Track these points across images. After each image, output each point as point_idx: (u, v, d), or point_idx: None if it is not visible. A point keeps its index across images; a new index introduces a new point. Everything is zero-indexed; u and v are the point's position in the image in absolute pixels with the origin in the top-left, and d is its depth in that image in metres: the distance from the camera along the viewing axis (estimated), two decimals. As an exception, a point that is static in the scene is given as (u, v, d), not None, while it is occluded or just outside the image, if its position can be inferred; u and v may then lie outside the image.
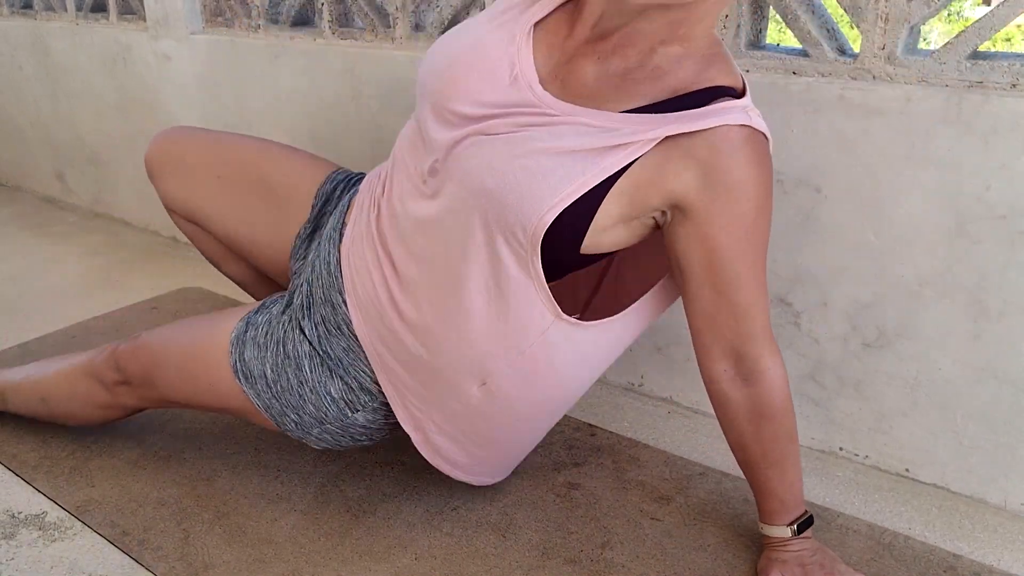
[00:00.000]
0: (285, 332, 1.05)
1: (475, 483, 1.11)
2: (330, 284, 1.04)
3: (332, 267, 1.04)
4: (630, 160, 0.83)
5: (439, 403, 1.00)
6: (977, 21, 1.02)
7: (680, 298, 0.96)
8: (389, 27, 1.59)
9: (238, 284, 1.36)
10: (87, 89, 2.27)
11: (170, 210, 1.28)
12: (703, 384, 0.98)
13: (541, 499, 1.16)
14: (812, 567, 0.97)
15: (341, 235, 1.06)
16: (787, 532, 0.98)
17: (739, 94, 0.87)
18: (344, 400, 1.03)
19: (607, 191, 0.84)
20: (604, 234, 0.88)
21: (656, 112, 0.85)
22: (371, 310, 0.99)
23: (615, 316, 0.96)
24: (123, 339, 1.15)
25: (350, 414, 1.04)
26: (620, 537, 1.08)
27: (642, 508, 1.14)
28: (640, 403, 1.41)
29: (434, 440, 1.04)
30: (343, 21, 1.69)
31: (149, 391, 1.12)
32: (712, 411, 0.99)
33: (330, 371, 1.03)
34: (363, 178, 1.16)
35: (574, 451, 1.27)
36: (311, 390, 1.02)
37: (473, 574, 1.02)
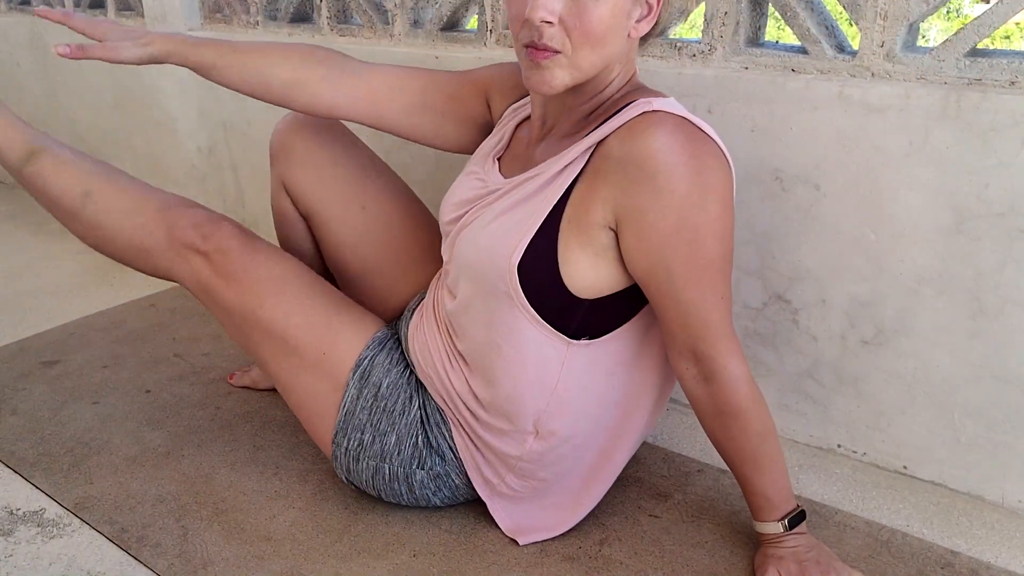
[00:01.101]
0: (410, 396, 1.08)
1: (562, 530, 1.09)
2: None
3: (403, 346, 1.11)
4: (570, 181, 0.90)
5: (507, 463, 1.03)
6: (976, 19, 1.02)
7: None
8: (387, 23, 1.59)
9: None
10: (85, 86, 2.27)
11: (290, 191, 1.22)
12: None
13: (539, 496, 1.16)
14: (808, 563, 0.97)
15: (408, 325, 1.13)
16: (779, 528, 0.98)
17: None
18: (423, 450, 1.05)
19: (559, 220, 0.90)
20: (584, 271, 0.91)
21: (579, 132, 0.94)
22: (436, 379, 1.05)
23: (623, 326, 0.97)
24: (217, 214, 1.09)
25: (413, 467, 1.06)
26: (618, 534, 1.08)
27: (640, 505, 1.14)
28: (638, 400, 1.41)
29: (510, 511, 1.08)
30: (341, 17, 1.69)
31: (231, 289, 1.05)
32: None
33: (423, 420, 1.06)
34: None
35: (572, 448, 1.27)
36: (405, 425, 1.05)
37: (471, 571, 1.02)
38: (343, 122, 1.22)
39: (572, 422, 0.99)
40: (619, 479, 1.19)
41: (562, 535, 1.08)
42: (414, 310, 1.14)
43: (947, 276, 1.09)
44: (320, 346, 1.06)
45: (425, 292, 1.18)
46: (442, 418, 1.06)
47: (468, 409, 1.02)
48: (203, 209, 1.11)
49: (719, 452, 1.00)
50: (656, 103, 0.87)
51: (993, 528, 1.10)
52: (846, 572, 0.97)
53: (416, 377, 1.08)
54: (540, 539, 1.07)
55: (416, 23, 1.57)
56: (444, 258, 1.06)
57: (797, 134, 1.14)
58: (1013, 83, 1.01)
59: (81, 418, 1.35)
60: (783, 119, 1.14)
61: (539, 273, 0.91)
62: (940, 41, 1.07)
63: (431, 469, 1.06)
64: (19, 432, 1.30)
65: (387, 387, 1.05)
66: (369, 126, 1.14)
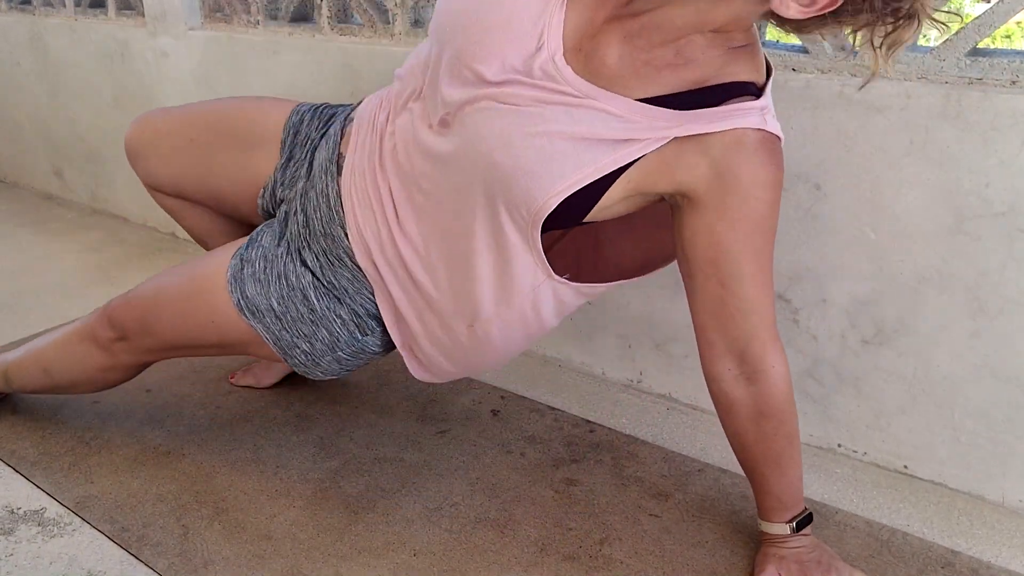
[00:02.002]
0: (285, 264, 1.05)
1: (432, 380, 1.13)
2: (330, 218, 1.04)
3: (332, 200, 1.04)
4: (642, 154, 0.85)
5: (429, 334, 1.03)
6: (977, 18, 1.02)
7: (681, 297, 0.96)
8: (388, 23, 1.59)
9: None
10: (85, 85, 2.27)
11: (152, 189, 1.28)
12: (703, 381, 0.98)
13: (540, 495, 1.16)
14: (810, 564, 0.97)
15: (339, 167, 1.06)
16: (786, 529, 0.98)
17: (759, 90, 0.87)
18: (354, 323, 1.05)
19: (615, 179, 0.86)
20: (605, 211, 0.90)
21: (674, 105, 0.84)
22: (374, 240, 1.01)
23: (606, 283, 0.99)
24: (112, 298, 1.15)
25: (360, 337, 1.06)
26: (618, 533, 1.08)
27: (640, 504, 1.14)
28: (639, 400, 1.41)
29: (419, 356, 1.08)
30: (342, 17, 1.69)
31: (146, 340, 1.12)
32: (711, 407, 0.99)
33: (337, 299, 1.04)
34: (330, 107, 1.18)
35: (573, 448, 1.27)
36: (322, 316, 1.04)
37: (472, 570, 1.02)
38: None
39: (509, 334, 1.00)
40: (619, 479, 1.19)
41: (562, 534, 1.08)
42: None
43: (948, 275, 1.09)
44: (211, 327, 1.07)
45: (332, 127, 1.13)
46: (351, 277, 1.04)
47: (408, 273, 1.00)
48: (99, 308, 1.17)
49: (741, 454, 0.99)
50: (768, 119, 0.85)
51: (994, 527, 1.10)
52: (847, 572, 0.97)
53: (296, 267, 1.05)
54: (432, 381, 1.12)
55: (417, 22, 1.56)
56: (442, 94, 0.90)
57: (798, 133, 1.14)
58: (1014, 82, 1.01)
59: (81, 417, 1.35)
60: (784, 118, 1.13)
61: (569, 213, 0.87)
62: (941, 40, 1.07)
63: (374, 330, 1.07)
64: (20, 431, 1.30)
65: (279, 304, 1.04)
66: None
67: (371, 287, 1.04)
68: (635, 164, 0.85)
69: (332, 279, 1.05)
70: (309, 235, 1.06)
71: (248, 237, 1.10)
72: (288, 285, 1.04)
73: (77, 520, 1.11)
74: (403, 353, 1.08)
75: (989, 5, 1.02)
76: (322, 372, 1.09)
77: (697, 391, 1.35)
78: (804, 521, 0.99)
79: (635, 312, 1.39)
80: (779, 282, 1.22)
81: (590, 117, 0.84)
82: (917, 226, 1.09)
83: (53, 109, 2.42)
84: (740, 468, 1.01)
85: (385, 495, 1.16)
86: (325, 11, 1.68)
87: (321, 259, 1.05)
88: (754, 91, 0.87)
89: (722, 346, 0.93)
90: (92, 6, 2.20)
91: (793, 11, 0.76)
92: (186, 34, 1.91)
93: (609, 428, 1.32)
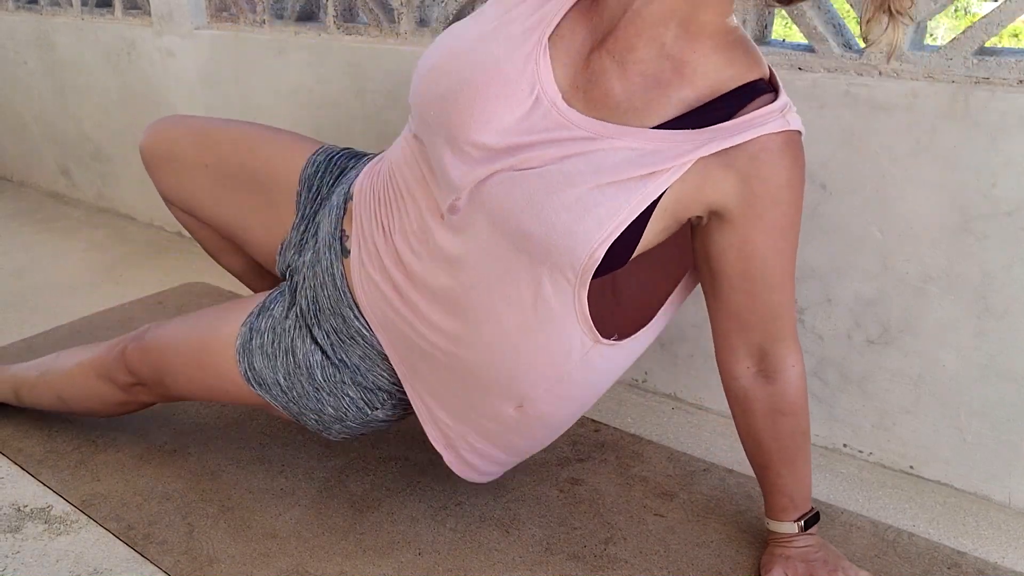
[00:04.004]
0: (293, 339, 1.02)
1: (485, 481, 1.10)
2: (338, 299, 0.99)
3: (338, 281, 0.99)
4: (670, 183, 0.80)
5: (473, 422, 0.98)
6: (984, 17, 1.02)
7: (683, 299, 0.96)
8: (394, 22, 1.59)
9: (236, 276, 1.36)
10: (91, 84, 2.27)
11: (167, 201, 1.27)
12: (709, 381, 0.98)
13: (545, 495, 1.16)
14: (816, 563, 0.97)
15: (343, 245, 1.00)
16: (794, 528, 0.98)
17: (768, 85, 0.84)
18: (363, 400, 1.02)
19: (651, 213, 0.81)
20: (647, 242, 0.86)
21: (691, 124, 0.81)
22: (395, 331, 0.95)
23: (645, 328, 0.95)
24: (131, 336, 1.15)
25: (370, 412, 1.04)
26: (623, 533, 1.08)
27: (645, 504, 1.14)
28: (644, 399, 1.41)
29: (465, 457, 1.03)
30: (348, 16, 1.69)
31: (164, 390, 1.13)
32: (716, 407, 0.99)
33: (347, 378, 1.01)
34: (347, 157, 1.14)
35: (578, 447, 1.27)
36: (329, 393, 1.02)
37: (476, 569, 1.02)
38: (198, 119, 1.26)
39: (562, 406, 0.96)
40: (624, 478, 1.19)
41: (567, 533, 1.08)
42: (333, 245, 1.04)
43: (953, 275, 1.08)
44: (221, 390, 1.08)
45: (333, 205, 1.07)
46: (371, 364, 1.00)
47: (429, 361, 0.94)
48: (116, 346, 1.16)
49: (755, 452, 0.98)
50: (790, 117, 0.82)
51: (1000, 528, 1.10)
52: (853, 572, 0.97)
53: (305, 347, 1.01)
54: (484, 480, 1.08)
55: (422, 21, 1.57)
56: (449, 179, 0.84)
57: (804, 132, 1.13)
58: (1021, 82, 1.00)
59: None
60: (789, 118, 1.14)
61: (613, 261, 0.83)
62: (948, 39, 1.07)
63: (385, 402, 1.03)
64: (26, 429, 1.30)
65: (285, 380, 1.02)
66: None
67: (384, 363, 1.00)
68: (666, 193, 0.81)
69: (343, 356, 1.01)
70: (318, 311, 1.02)
71: (260, 303, 1.07)
72: (295, 363, 1.01)
73: (83, 518, 1.11)
74: (444, 453, 1.02)
75: (997, 4, 1.01)
76: (336, 435, 1.07)
77: (702, 390, 1.35)
78: (811, 520, 0.99)
79: (640, 311, 1.39)
80: (785, 282, 1.22)
81: (612, 159, 0.79)
82: (923, 226, 1.09)
83: (59, 108, 2.42)
84: (745, 468, 1.01)
85: (390, 494, 1.16)
86: (331, 10, 1.68)
87: (332, 337, 1.01)
88: (765, 88, 0.84)
89: (743, 349, 0.93)
90: (99, 5, 2.20)
91: None
92: (192, 33, 1.92)
93: (614, 427, 1.32)
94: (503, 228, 0.82)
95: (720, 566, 1.03)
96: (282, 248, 1.14)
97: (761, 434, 0.96)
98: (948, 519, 1.12)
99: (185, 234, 2.20)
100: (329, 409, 1.03)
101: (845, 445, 1.25)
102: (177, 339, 1.11)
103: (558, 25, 0.83)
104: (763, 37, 1.21)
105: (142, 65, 2.09)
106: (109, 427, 1.31)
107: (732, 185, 0.82)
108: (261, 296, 1.09)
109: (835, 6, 1.16)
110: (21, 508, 1.13)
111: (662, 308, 0.97)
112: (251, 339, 1.04)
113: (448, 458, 1.03)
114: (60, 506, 1.13)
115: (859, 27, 0.84)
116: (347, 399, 1.02)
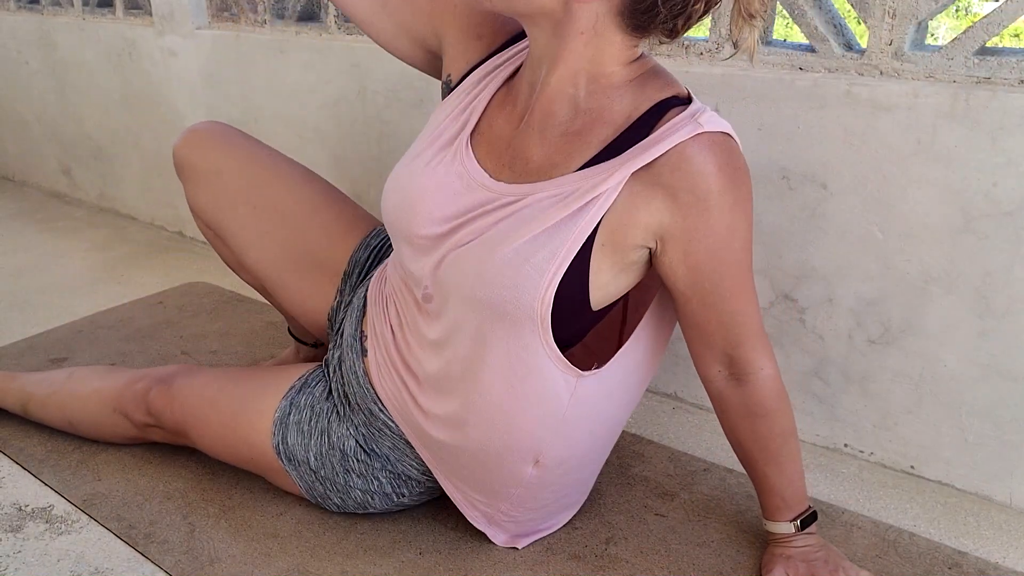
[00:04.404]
0: (329, 422, 1.04)
1: (558, 527, 1.09)
2: (363, 395, 1.03)
3: (361, 379, 1.03)
4: (603, 212, 0.83)
5: (502, 494, 1.00)
6: (985, 17, 1.02)
7: None
8: (394, 22, 1.59)
9: (255, 289, 1.33)
10: (93, 84, 2.27)
11: (195, 213, 1.23)
12: (703, 382, 0.98)
13: (545, 494, 1.16)
14: (817, 563, 0.97)
15: (362, 346, 1.05)
16: (790, 528, 0.98)
17: (684, 100, 0.85)
18: (391, 486, 1.05)
19: (591, 248, 0.84)
20: (607, 286, 0.88)
21: (611, 155, 0.84)
22: (414, 423, 0.99)
23: (624, 348, 0.95)
24: (156, 377, 1.16)
25: (396, 500, 1.07)
26: (624, 533, 1.08)
27: (646, 504, 1.14)
28: (645, 399, 1.41)
29: (508, 527, 1.04)
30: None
31: (183, 440, 1.16)
32: (716, 407, 0.99)
33: (380, 464, 1.04)
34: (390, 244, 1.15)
35: (578, 447, 1.27)
36: (359, 476, 1.04)
37: (477, 569, 1.02)
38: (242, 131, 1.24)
39: (574, 446, 0.97)
40: (625, 478, 1.19)
41: (567, 534, 1.08)
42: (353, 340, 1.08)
43: (955, 275, 1.08)
44: (247, 455, 1.09)
45: (352, 299, 1.13)
46: (413, 453, 1.03)
47: (446, 449, 0.98)
48: (139, 381, 1.17)
49: (739, 452, 0.99)
50: (704, 120, 0.82)
51: (1001, 528, 1.10)
52: (854, 572, 0.97)
53: (341, 431, 1.03)
54: (538, 538, 1.07)
55: (423, 21, 1.57)
56: (419, 278, 0.94)
57: (804, 133, 1.13)
58: (1022, 81, 1.00)
59: (89, 415, 1.35)
60: (790, 118, 1.14)
61: (568, 304, 0.86)
62: (949, 39, 1.07)
63: (412, 490, 1.06)
64: (28, 429, 1.30)
65: (315, 460, 1.04)
66: (342, 11, 1.06)
67: (412, 452, 1.02)
68: (601, 224, 0.84)
69: (375, 447, 1.03)
70: (349, 405, 1.05)
71: (303, 378, 1.09)
72: (329, 444, 1.03)
73: (84, 517, 1.11)
74: (488, 531, 1.05)
75: (998, 4, 1.01)
76: (352, 510, 1.09)
77: (703, 390, 1.35)
78: (808, 520, 0.99)
79: (641, 311, 1.39)
80: (785, 282, 1.22)
81: (541, 207, 0.85)
82: (924, 226, 1.09)
83: (61, 108, 2.43)
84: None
85: (391, 494, 1.16)
86: (332, 10, 1.68)
87: (363, 430, 1.03)
88: (679, 102, 0.85)
89: (709, 355, 0.93)
90: (100, 5, 2.21)
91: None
92: (193, 33, 1.92)
93: (615, 427, 1.32)
94: (467, 302, 0.88)
95: (721, 566, 1.03)
96: (330, 319, 1.18)
97: (741, 436, 0.97)
98: (949, 519, 1.12)
99: (186, 234, 2.21)
100: (356, 493, 1.05)
101: (846, 445, 1.25)
102: (211, 397, 1.11)
103: (477, 124, 0.94)
104: (764, 37, 1.21)
105: (143, 65, 2.09)
106: (110, 427, 1.31)
107: (662, 201, 0.83)
108: (304, 369, 1.11)
109: (836, 6, 1.16)
110: (22, 508, 1.13)
111: (639, 326, 0.96)
112: (289, 414, 1.05)
113: (492, 535, 1.05)
114: (61, 506, 1.13)
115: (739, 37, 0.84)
116: (376, 483, 1.04)
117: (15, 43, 2.48)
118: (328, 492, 1.06)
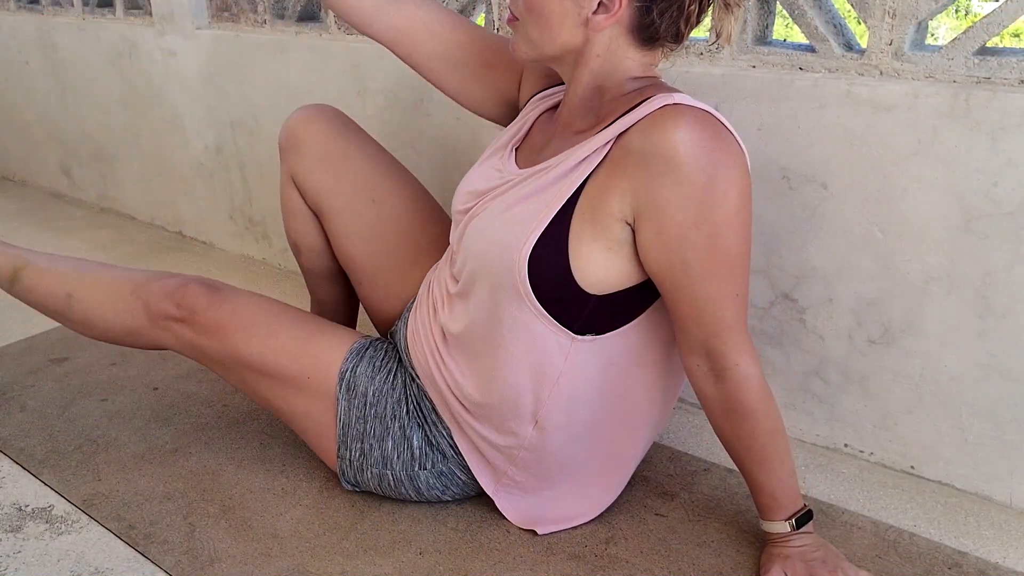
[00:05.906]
0: (397, 366, 1.11)
1: (580, 521, 1.10)
2: (404, 360, 1.12)
3: (401, 346, 1.13)
4: (587, 174, 0.90)
5: (507, 454, 1.03)
6: (985, 17, 1.02)
7: None
8: (395, 22, 1.59)
9: (316, 301, 1.38)
10: (93, 84, 2.28)
11: (300, 187, 1.23)
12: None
13: (545, 494, 1.16)
14: (815, 563, 0.97)
15: (406, 320, 1.15)
16: (786, 527, 0.98)
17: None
18: (421, 450, 1.07)
19: (572, 212, 0.90)
20: (593, 263, 0.90)
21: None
22: (436, 388, 1.06)
23: (627, 324, 0.96)
24: (190, 276, 1.14)
25: (416, 469, 1.08)
26: (624, 533, 1.08)
27: (646, 504, 1.14)
28: (645, 399, 1.41)
29: (520, 506, 1.08)
30: (349, 16, 1.69)
31: (211, 342, 1.10)
32: (717, 407, 0.99)
33: (419, 421, 1.08)
34: None
35: (579, 447, 1.27)
36: (399, 427, 1.07)
37: (477, 569, 1.02)
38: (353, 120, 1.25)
39: (572, 411, 0.99)
40: (625, 478, 1.20)
41: (568, 533, 1.08)
42: (411, 311, 1.16)
43: (955, 275, 1.08)
44: (303, 370, 1.09)
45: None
46: (438, 417, 1.07)
47: (462, 403, 1.03)
48: (171, 277, 1.15)
49: (727, 450, 0.99)
50: (677, 97, 0.87)
51: (1001, 528, 1.10)
52: (853, 572, 0.96)
53: (404, 379, 1.09)
54: (556, 529, 1.07)
55: (423, 21, 1.56)
56: (453, 246, 1.06)
57: (805, 133, 1.13)
58: (1022, 82, 1.00)
59: (89, 415, 1.35)
60: (791, 118, 1.14)
61: (549, 266, 0.91)
62: (949, 39, 1.07)
63: (434, 467, 1.07)
64: (28, 429, 1.30)
65: (373, 394, 1.07)
66: (398, 57, 1.14)
67: (442, 422, 1.07)
68: (583, 191, 0.90)
69: (421, 401, 1.08)
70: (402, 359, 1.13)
71: (388, 332, 1.19)
72: (391, 383, 1.09)
73: (84, 517, 1.11)
74: (497, 497, 1.08)
75: (998, 4, 1.01)
76: (363, 483, 1.11)
77: (703, 391, 1.35)
78: (804, 519, 0.99)
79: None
80: (786, 281, 1.22)
81: (536, 179, 0.95)
82: (924, 226, 1.09)
83: (61, 108, 2.43)
84: (742, 468, 1.01)
85: (391, 494, 1.16)
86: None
87: (414, 384, 1.10)
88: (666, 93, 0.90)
89: (687, 344, 0.93)
90: (100, 5, 2.21)
91: (603, 24, 0.89)
92: (194, 33, 1.92)
93: (615, 427, 1.32)
94: (474, 260, 0.98)
95: (721, 566, 1.03)
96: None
97: (724, 434, 0.97)
98: (949, 519, 1.12)
99: (185, 234, 2.20)
100: (388, 445, 1.07)
101: (846, 445, 1.25)
102: (276, 312, 1.12)
103: (525, 137, 1.07)
104: (764, 37, 1.21)
105: (143, 65, 2.09)
106: (110, 426, 1.31)
107: (635, 168, 0.86)
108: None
109: (836, 6, 1.16)
110: (22, 508, 1.13)
111: (647, 310, 0.97)
112: (368, 347, 1.12)
113: (501, 505, 1.08)
114: (61, 506, 1.14)
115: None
116: (406, 441, 1.07)
117: (15, 43, 2.48)
118: (362, 435, 1.07)
